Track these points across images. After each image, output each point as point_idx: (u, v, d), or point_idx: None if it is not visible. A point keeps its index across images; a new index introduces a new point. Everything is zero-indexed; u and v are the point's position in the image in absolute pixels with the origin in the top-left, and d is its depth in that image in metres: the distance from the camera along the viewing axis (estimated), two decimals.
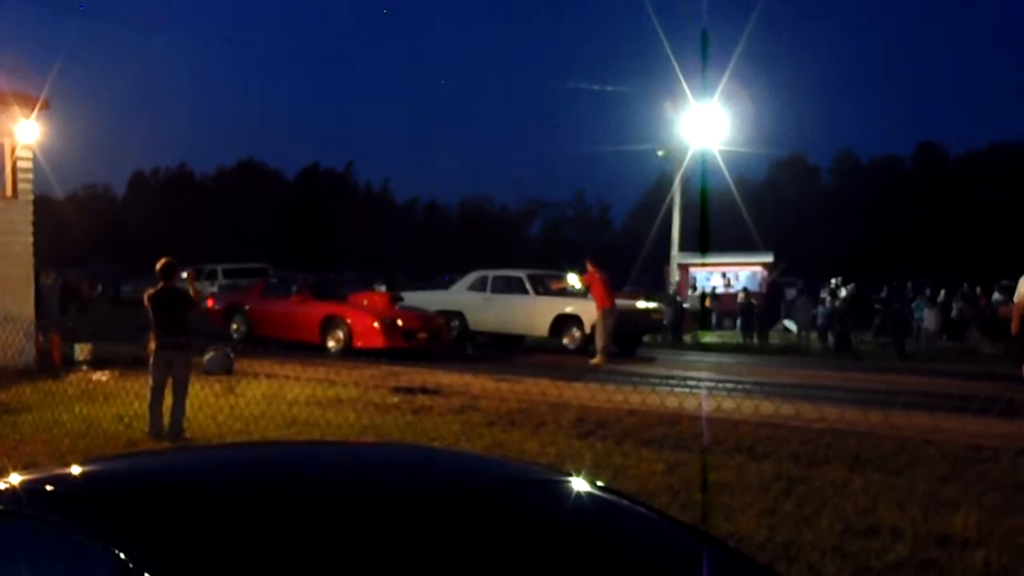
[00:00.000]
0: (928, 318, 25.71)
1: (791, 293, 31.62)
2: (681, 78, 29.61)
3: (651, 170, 51.38)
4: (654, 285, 31.96)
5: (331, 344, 19.09)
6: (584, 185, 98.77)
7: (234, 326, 20.89)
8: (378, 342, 18.50)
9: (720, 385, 15.36)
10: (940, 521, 6.52)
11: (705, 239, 33.64)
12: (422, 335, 19.25)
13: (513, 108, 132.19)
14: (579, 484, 2.75)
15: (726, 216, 39.02)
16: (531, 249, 68.41)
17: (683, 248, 32.20)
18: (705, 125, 30.40)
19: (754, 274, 32.43)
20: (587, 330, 20.37)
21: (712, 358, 21.89)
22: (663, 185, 35.88)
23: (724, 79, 29.98)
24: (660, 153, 33.17)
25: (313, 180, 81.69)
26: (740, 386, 15.31)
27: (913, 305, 25.43)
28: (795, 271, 36.38)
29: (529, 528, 2.42)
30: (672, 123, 31.19)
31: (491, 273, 22.83)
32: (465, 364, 17.26)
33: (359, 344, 18.64)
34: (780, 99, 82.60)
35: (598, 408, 11.35)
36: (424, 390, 13.20)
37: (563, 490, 2.75)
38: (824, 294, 28.70)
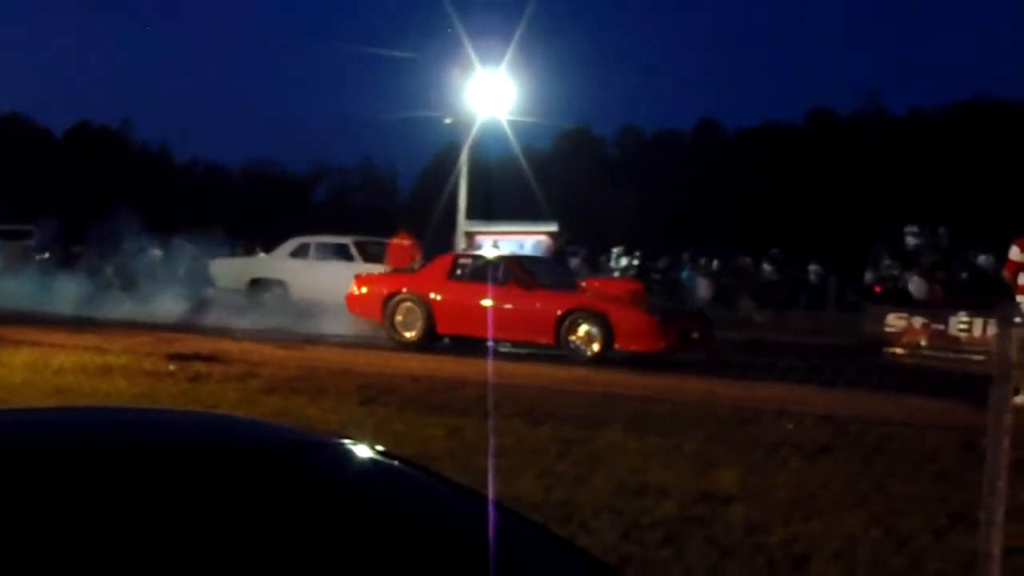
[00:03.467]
0: (701, 287, 26.77)
1: (575, 262, 32.33)
2: (468, 45, 29.69)
3: (440, 137, 51.23)
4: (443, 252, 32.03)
5: (582, 347, 15.07)
6: (372, 151, 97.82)
7: (399, 318, 16.48)
8: (653, 344, 14.81)
9: (506, 350, 15.61)
10: (706, 480, 6.80)
11: (490, 208, 33.93)
12: (695, 335, 15.53)
13: (299, 71, 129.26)
14: (356, 447, 2.70)
15: (514, 185, 39.51)
16: (319, 215, 67.37)
17: (472, 216, 32.40)
18: (493, 93, 30.62)
19: (539, 242, 32.93)
20: None
21: None
22: (452, 152, 35.90)
23: (512, 48, 30.23)
24: (448, 120, 33.17)
25: (85, 139, 77.83)
26: (525, 350, 15.59)
27: (684, 275, 26.42)
28: (579, 241, 37.18)
29: (303, 491, 2.36)
30: (460, 90, 31.24)
31: (314, 239, 22.31)
32: (247, 331, 16.86)
33: (625, 346, 14.86)
34: (567, 71, 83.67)
35: (381, 375, 11.35)
36: (201, 357, 12.83)
37: (339, 453, 2.69)
38: (605, 263, 29.50)
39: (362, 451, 2.69)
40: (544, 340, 15.29)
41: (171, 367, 12.04)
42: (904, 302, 19.58)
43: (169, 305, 21.08)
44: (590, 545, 5.01)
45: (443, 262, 17.34)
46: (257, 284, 22.03)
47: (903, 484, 6.49)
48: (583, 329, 15.05)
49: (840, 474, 6.81)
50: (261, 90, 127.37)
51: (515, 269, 16.10)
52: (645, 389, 10.06)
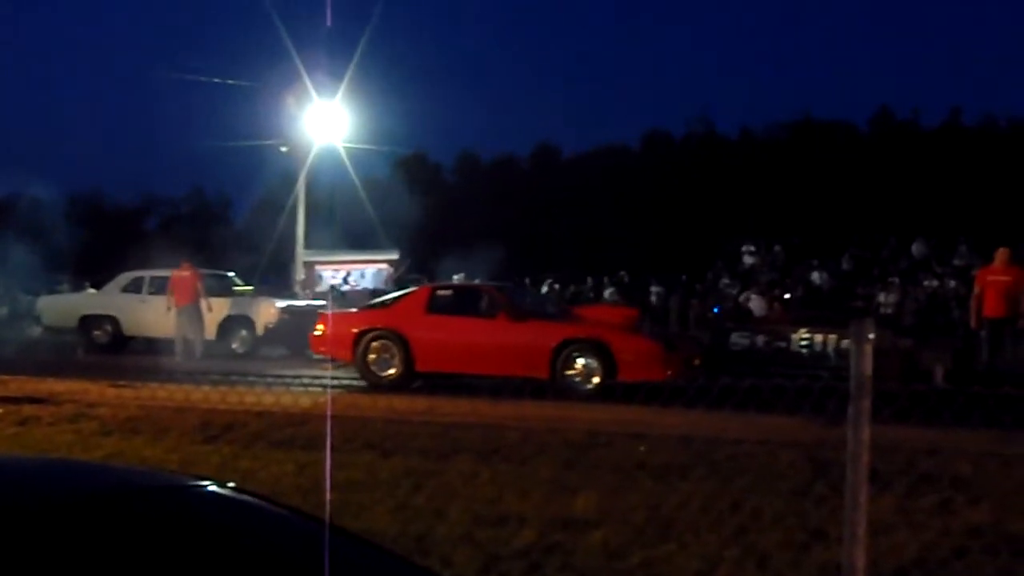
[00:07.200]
0: None
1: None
2: (304, 73, 29.38)
3: (275, 166, 50.50)
4: (280, 283, 31.49)
5: (580, 381, 13.93)
6: (203, 180, 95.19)
7: (372, 357, 15.04)
8: (660, 372, 13.45)
9: (351, 382, 15.35)
10: (562, 505, 6.76)
11: (329, 237, 33.62)
12: (696, 362, 14.65)
13: (126, 100, 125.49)
14: (207, 487, 2.61)
15: (352, 213, 39.09)
16: (150, 246, 65.32)
17: (311, 246, 32.00)
18: (329, 122, 30.44)
19: (380, 271, 32.70)
20: (259, 332, 19.80)
21: None
22: (288, 181, 35.33)
23: (347, 76, 30.11)
24: (283, 149, 32.74)
25: None
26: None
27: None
28: (420, 268, 37.06)
29: (156, 535, 2.26)
30: (296, 119, 30.89)
31: (148, 274, 21.64)
32: (78, 370, 16.14)
33: (629, 377, 13.43)
34: (403, 98, 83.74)
35: (224, 411, 10.93)
36: (30, 399, 12.20)
37: (191, 494, 2.59)
38: None
39: (216, 489, 2.61)
40: (538, 374, 14.03)
41: None
42: (745, 320, 20.07)
43: None
44: None
45: (419, 295, 16.01)
46: (88, 321, 21.38)
47: (758, 501, 6.58)
48: (580, 362, 13.95)
49: (695, 494, 6.87)
50: (85, 119, 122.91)
51: (502, 299, 15.06)
52: (492, 417, 9.98)
